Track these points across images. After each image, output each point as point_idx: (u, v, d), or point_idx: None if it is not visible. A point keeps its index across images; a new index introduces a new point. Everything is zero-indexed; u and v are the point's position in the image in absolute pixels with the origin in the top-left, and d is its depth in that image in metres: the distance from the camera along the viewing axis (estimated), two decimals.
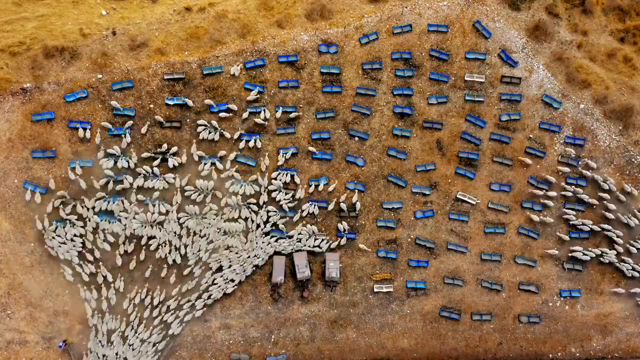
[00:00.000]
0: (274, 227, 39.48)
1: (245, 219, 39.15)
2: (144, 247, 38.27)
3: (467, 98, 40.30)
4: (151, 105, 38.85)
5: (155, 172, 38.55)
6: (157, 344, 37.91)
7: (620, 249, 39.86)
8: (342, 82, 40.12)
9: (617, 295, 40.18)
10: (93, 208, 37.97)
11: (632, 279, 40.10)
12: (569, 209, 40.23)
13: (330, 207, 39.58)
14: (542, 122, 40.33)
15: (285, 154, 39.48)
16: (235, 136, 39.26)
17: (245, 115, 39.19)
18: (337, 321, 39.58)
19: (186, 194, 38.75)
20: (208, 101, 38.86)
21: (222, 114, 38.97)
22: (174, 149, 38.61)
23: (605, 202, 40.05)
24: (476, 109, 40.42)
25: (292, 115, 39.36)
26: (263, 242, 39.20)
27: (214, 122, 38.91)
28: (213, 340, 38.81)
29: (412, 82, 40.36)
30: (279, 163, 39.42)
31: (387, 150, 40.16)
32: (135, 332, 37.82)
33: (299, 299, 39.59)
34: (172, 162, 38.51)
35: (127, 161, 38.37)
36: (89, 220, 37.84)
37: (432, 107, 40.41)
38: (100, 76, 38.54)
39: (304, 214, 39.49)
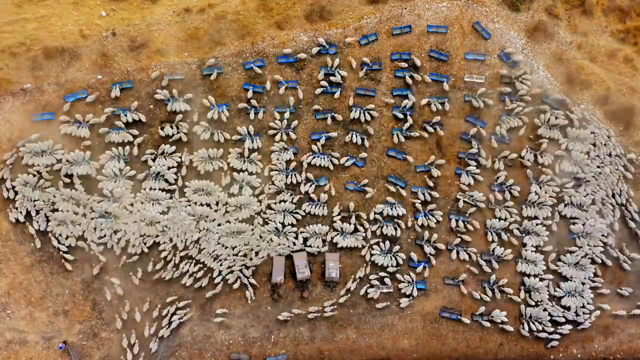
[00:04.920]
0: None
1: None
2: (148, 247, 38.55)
3: (466, 99, 40.29)
4: (151, 106, 39.02)
5: (159, 172, 38.76)
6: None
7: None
8: (342, 82, 40.14)
9: (619, 296, 40.03)
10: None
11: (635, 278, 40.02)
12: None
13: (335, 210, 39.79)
14: None
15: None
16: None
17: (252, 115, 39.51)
18: (337, 321, 39.54)
19: (187, 194, 38.95)
20: (205, 101, 39.09)
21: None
22: (173, 149, 38.82)
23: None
24: (476, 109, 40.37)
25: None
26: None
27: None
28: (213, 340, 38.82)
29: (411, 82, 40.36)
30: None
31: (387, 151, 40.18)
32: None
33: (298, 300, 39.58)
34: (170, 162, 38.78)
35: (125, 162, 38.56)
36: (90, 220, 38.07)
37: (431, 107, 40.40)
38: (100, 77, 38.70)
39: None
